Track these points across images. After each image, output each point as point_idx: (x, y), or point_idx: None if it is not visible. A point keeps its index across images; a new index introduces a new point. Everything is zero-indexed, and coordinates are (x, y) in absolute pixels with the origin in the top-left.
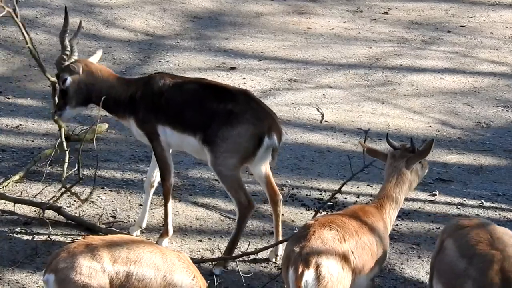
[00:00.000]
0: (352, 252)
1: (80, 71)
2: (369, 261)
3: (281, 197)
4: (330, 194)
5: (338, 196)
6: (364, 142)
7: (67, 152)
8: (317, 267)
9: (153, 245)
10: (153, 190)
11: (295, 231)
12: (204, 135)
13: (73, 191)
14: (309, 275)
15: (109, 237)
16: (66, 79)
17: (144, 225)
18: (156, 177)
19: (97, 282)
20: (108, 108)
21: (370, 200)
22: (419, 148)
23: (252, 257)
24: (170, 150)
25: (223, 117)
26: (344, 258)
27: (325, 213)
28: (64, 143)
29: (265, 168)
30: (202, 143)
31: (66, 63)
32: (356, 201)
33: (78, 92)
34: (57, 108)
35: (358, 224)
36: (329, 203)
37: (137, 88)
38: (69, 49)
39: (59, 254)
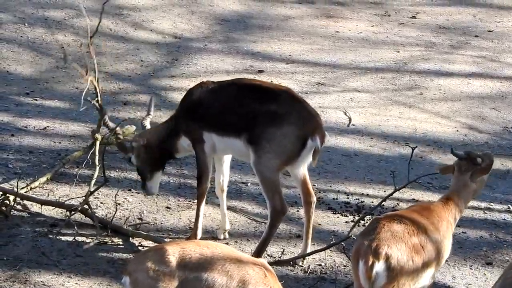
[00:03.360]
0: (422, 247)
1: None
2: (433, 259)
3: (315, 199)
4: (357, 197)
5: (365, 200)
6: (410, 160)
7: (97, 167)
8: (387, 258)
9: (230, 252)
10: (224, 193)
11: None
12: (249, 135)
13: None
14: (379, 267)
15: (185, 242)
16: (130, 157)
17: (227, 227)
18: (224, 181)
19: (164, 286)
20: (172, 153)
21: (397, 204)
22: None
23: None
24: (213, 157)
25: (268, 117)
26: (413, 251)
27: (352, 216)
28: (97, 157)
29: (303, 169)
30: (247, 144)
31: (128, 144)
32: (383, 205)
33: (147, 160)
34: (142, 187)
35: (426, 221)
36: (355, 206)
37: (180, 106)
38: (120, 132)
39: (135, 257)
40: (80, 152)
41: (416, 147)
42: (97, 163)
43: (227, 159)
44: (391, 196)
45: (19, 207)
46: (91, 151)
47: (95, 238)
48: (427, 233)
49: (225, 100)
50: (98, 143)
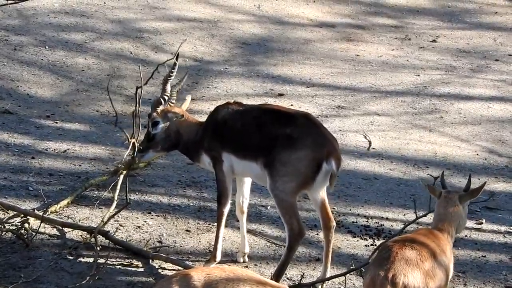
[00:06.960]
0: (433, 271)
1: (174, 120)
2: (444, 282)
3: (334, 223)
4: (377, 221)
5: (385, 223)
6: (434, 184)
7: (115, 201)
8: None
9: (256, 278)
10: (245, 215)
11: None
12: (265, 159)
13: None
14: None
15: (211, 268)
16: (158, 122)
17: (247, 250)
18: (244, 202)
19: None
20: (191, 156)
21: (417, 227)
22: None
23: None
24: (232, 177)
25: (283, 141)
26: (427, 277)
27: (372, 240)
28: (117, 192)
29: (321, 193)
30: (263, 168)
31: (161, 108)
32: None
33: (166, 139)
34: (140, 150)
35: (434, 244)
36: (374, 230)
37: (205, 123)
38: (168, 94)
39: (160, 282)
40: (105, 177)
41: (438, 177)
42: (115, 198)
43: (248, 180)
44: (409, 219)
45: (42, 230)
46: (114, 182)
47: (115, 260)
48: (436, 256)
49: (245, 122)
50: (122, 177)
